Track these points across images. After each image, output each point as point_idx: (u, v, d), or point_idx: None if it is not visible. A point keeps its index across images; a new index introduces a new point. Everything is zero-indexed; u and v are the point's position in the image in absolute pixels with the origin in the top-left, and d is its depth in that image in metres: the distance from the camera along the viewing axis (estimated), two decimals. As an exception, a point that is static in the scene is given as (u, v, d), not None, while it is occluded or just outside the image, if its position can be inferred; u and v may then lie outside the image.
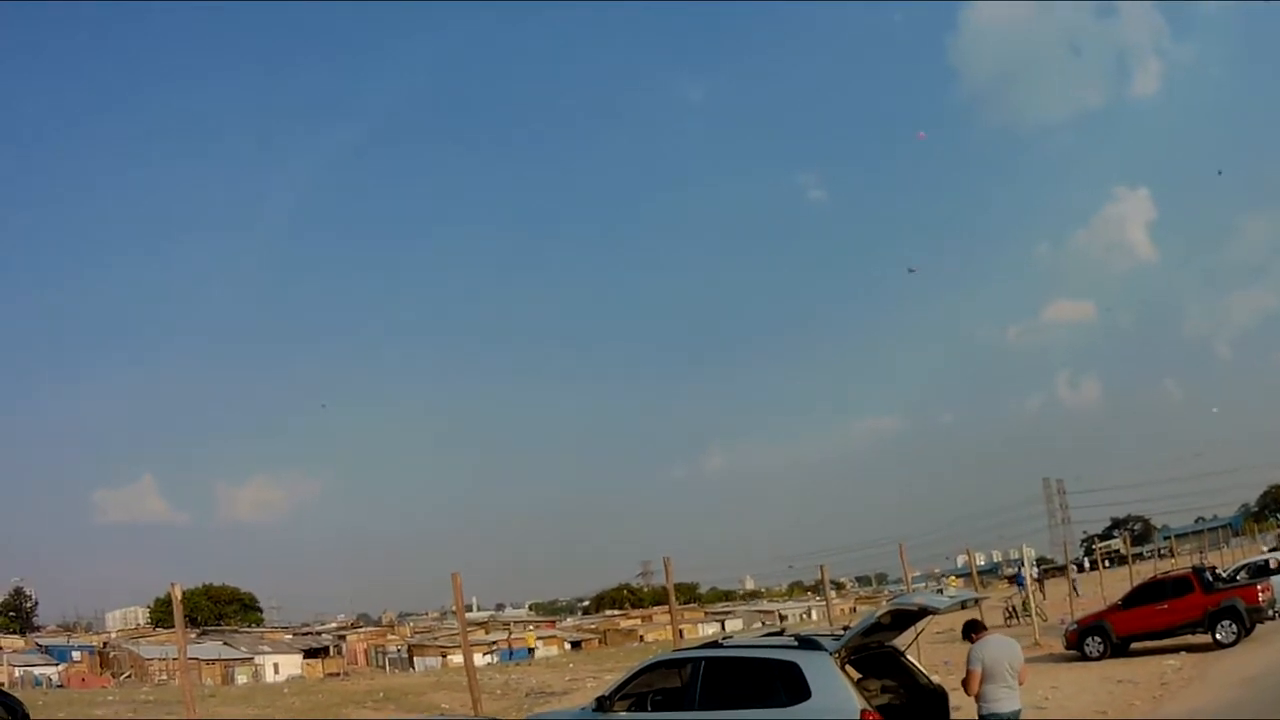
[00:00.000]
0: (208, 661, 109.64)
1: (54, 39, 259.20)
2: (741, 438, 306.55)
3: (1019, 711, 15.40)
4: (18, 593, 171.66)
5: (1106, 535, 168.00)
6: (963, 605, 16.57)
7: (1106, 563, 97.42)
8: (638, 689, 17.22)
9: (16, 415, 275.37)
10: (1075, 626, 37.82)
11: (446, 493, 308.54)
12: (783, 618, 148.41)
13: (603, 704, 16.93)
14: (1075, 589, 59.40)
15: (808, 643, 15.37)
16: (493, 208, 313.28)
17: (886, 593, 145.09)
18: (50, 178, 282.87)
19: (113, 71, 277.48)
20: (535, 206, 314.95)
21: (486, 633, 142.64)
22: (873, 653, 16.51)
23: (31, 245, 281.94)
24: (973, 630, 15.85)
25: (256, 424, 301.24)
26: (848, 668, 15.23)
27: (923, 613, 15.69)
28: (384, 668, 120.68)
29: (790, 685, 14.74)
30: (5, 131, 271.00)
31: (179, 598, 19.18)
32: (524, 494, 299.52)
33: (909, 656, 16.98)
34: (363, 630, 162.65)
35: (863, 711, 13.95)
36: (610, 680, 24.75)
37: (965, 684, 15.42)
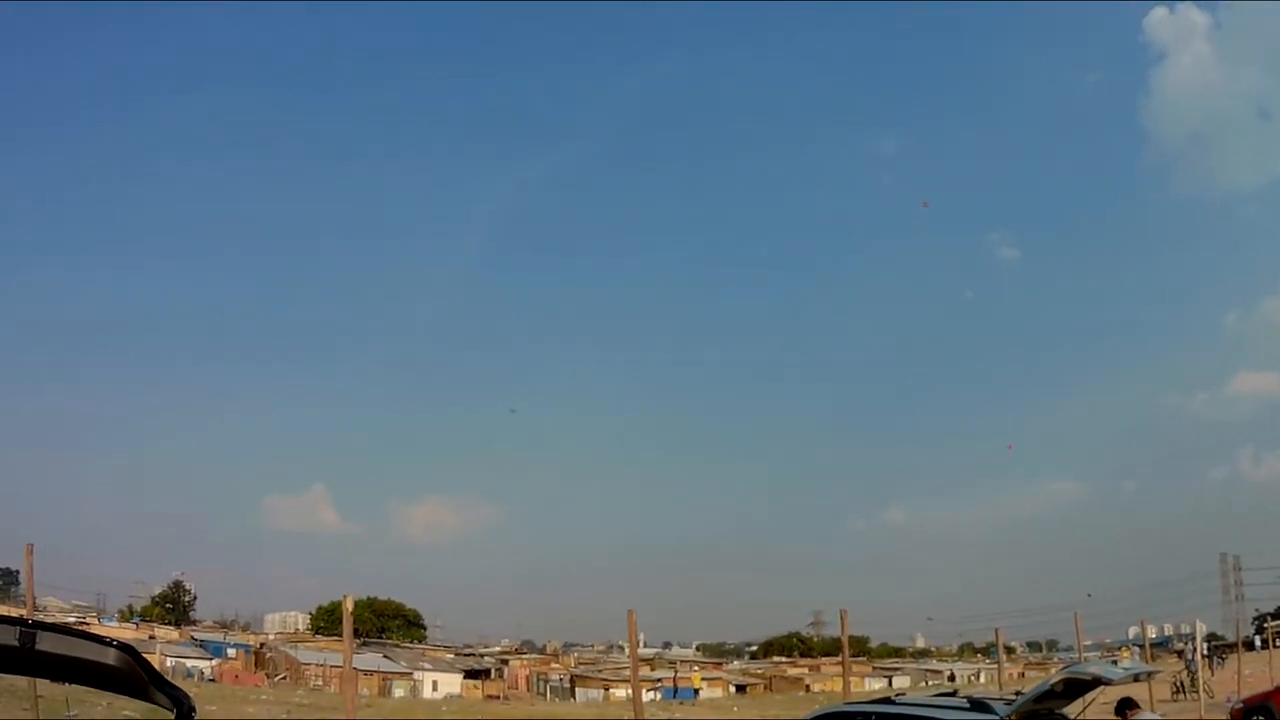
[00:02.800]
0: (366, 672, 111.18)
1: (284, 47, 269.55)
2: (923, 494, 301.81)
3: None
4: (176, 585, 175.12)
5: (1279, 614, 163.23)
6: (1136, 678, 16.48)
7: (1278, 642, 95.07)
8: (808, 739, 17.38)
9: (199, 414, 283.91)
10: (1241, 705, 36.96)
11: (621, 526, 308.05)
12: (952, 678, 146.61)
13: (770, 750, 17.17)
14: (1187, 684, 55.23)
15: (980, 706, 15.42)
16: (685, 243, 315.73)
17: (1056, 660, 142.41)
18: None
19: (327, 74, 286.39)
20: (726, 247, 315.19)
21: (652, 669, 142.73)
22: (1041, 719, 16.49)
23: (225, 246, 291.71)
24: (1126, 707, 15.84)
25: (434, 444, 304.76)
26: (1016, 734, 15.28)
27: (1096, 682, 15.65)
28: (545, 695, 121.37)
29: (960, 747, 14.83)
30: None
31: (349, 609, 19.57)
32: (700, 534, 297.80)
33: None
34: (526, 656, 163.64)
35: (1028, 779, 14.02)
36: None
37: None
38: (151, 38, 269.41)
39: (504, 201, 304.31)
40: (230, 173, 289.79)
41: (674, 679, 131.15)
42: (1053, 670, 17.47)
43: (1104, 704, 17.69)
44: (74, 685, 9.52)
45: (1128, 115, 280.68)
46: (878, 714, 16.30)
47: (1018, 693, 16.43)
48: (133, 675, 7.92)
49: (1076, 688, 16.09)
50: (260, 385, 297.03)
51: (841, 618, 26.96)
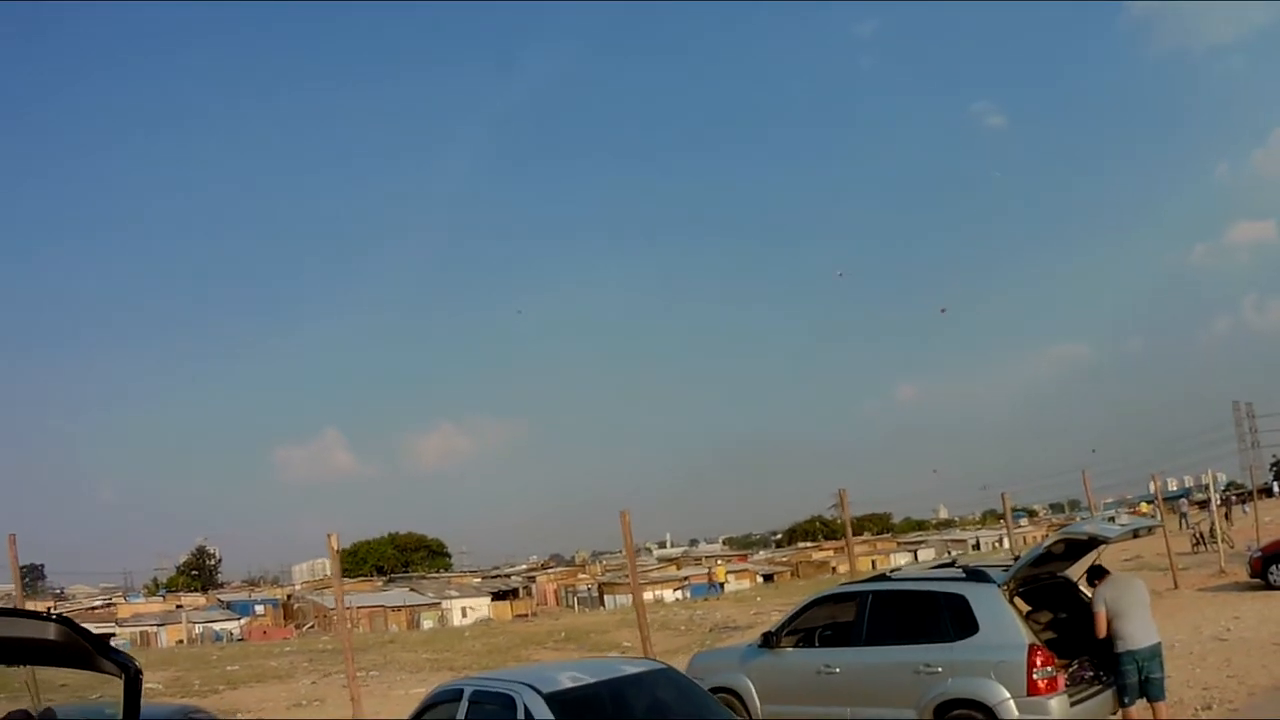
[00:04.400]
0: (394, 608, 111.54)
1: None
2: (931, 369, 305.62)
3: (1159, 645, 14.94)
4: (200, 551, 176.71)
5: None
6: (1134, 534, 16.02)
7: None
8: (805, 624, 17.07)
9: (195, 381, 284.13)
10: (1259, 554, 36.48)
11: (639, 430, 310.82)
12: (976, 546, 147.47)
13: (769, 640, 16.82)
14: (1207, 535, 54.70)
15: (975, 574, 15.09)
16: (672, 135, 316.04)
17: (1077, 519, 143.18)
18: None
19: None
20: (713, 152, 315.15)
21: (678, 568, 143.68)
22: (1044, 584, 16.16)
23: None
24: (1095, 576, 15.41)
25: (439, 371, 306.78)
26: (1017, 600, 14.95)
27: (1094, 542, 15.28)
28: (573, 607, 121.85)
29: (957, 618, 14.49)
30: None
31: (335, 548, 19.52)
32: (719, 429, 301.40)
33: (1082, 587, 16.56)
34: (553, 570, 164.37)
35: (1030, 646, 13.64)
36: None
37: (1094, 627, 15.03)
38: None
39: (491, 115, 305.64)
40: (210, 126, 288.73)
41: (709, 575, 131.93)
42: (1049, 533, 16.98)
43: (1125, 560, 17.23)
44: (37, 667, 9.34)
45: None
46: (874, 592, 15.98)
47: (1016, 558, 16.06)
48: (76, 647, 7.70)
49: (1077, 548, 15.71)
50: (253, 339, 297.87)
51: (841, 498, 26.56)
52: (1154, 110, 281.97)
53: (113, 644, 8.24)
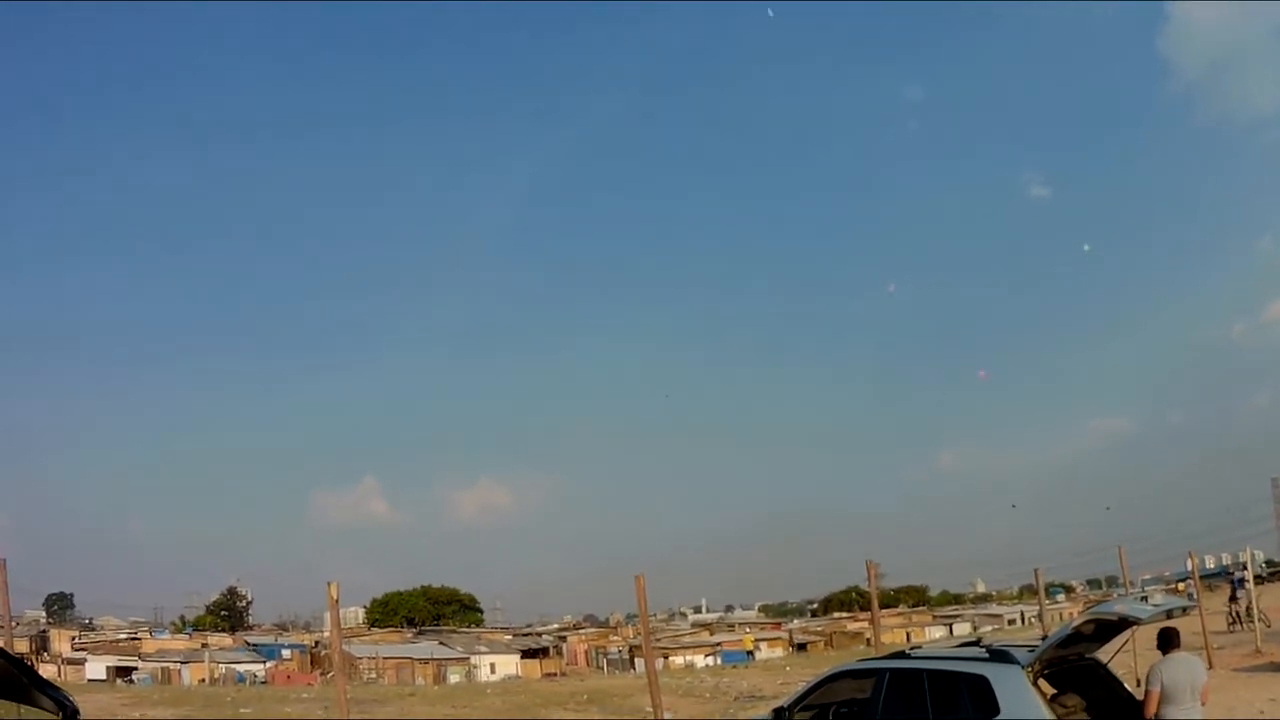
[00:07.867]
0: (421, 661, 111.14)
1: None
2: (975, 440, 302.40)
3: None
4: (231, 592, 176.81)
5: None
6: (1168, 614, 15.35)
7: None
8: (820, 700, 16.47)
9: (238, 420, 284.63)
10: (1298, 633, 35.60)
11: (684, 493, 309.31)
12: (1011, 621, 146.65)
13: (780, 715, 16.19)
14: (1242, 614, 53.48)
15: (999, 654, 14.44)
16: (712, 213, 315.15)
17: (1115, 596, 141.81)
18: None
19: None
20: (757, 210, 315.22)
21: (711, 633, 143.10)
22: (1072, 665, 15.49)
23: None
24: (1164, 643, 14.77)
25: (482, 424, 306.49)
26: (1042, 682, 14.29)
27: (1124, 623, 14.63)
28: (603, 669, 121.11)
29: (978, 700, 13.85)
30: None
31: (334, 597, 19.02)
32: (763, 494, 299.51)
33: (1110, 669, 15.86)
34: (585, 631, 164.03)
35: (1054, 731, 12.99)
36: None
37: (1144, 705, 14.39)
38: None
39: (534, 165, 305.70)
40: (255, 164, 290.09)
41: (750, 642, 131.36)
42: (1075, 613, 16.36)
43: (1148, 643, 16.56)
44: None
45: (1147, 46, 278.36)
46: (892, 670, 15.32)
47: (1044, 637, 15.40)
48: (11, 679, 7.42)
49: (1107, 629, 15.12)
50: (298, 381, 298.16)
51: (869, 570, 25.88)
52: (1195, 183, 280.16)
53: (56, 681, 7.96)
